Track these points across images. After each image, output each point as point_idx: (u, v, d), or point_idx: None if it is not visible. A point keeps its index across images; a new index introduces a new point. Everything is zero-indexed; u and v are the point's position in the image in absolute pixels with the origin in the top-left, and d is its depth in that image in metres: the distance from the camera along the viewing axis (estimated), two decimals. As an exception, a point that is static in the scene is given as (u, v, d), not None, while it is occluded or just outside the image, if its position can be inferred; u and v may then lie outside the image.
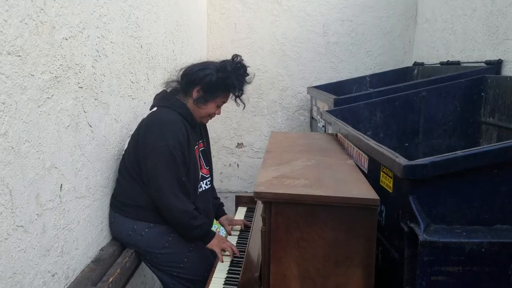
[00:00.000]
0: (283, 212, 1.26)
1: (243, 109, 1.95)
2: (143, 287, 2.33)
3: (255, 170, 4.30)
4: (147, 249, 1.75)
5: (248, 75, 1.86)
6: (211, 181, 2.03)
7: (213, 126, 4.13)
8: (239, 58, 1.85)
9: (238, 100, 1.89)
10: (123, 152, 1.87)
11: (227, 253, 1.81)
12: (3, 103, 1.09)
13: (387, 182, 1.37)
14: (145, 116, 1.88)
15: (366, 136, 1.62)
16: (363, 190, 1.28)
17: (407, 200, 1.20)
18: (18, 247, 1.16)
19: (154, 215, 1.75)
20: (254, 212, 2.18)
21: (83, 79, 1.53)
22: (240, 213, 2.37)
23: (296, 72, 4.09)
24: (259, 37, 4.07)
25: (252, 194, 2.47)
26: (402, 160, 1.20)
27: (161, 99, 1.87)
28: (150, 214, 1.75)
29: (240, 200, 2.50)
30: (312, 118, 3.71)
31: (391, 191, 1.34)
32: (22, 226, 1.17)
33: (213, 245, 1.81)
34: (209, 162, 2.01)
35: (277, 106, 4.19)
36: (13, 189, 1.13)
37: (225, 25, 4.08)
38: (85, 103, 1.56)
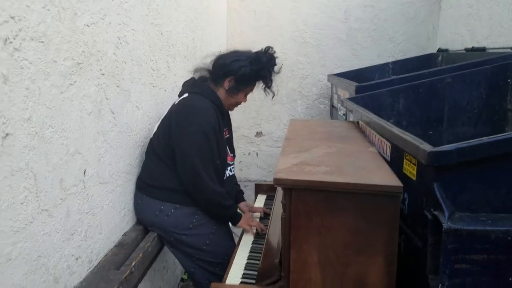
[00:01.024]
0: (303, 199, 1.25)
1: (272, 98, 1.99)
2: (165, 272, 2.36)
3: (274, 159, 4.30)
4: (172, 230, 1.80)
5: (276, 65, 1.93)
6: (234, 169, 2.07)
7: (232, 115, 4.11)
8: (271, 49, 1.91)
9: (267, 90, 1.94)
10: (151, 136, 1.92)
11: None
12: (27, 89, 1.11)
13: (410, 169, 1.35)
14: (165, 103, 1.90)
15: (389, 123, 1.59)
16: (386, 177, 1.26)
17: (431, 187, 1.18)
18: (43, 230, 1.18)
19: (180, 197, 1.80)
20: (273, 199, 2.17)
21: (105, 66, 1.54)
22: (260, 201, 2.37)
23: (316, 60, 4.04)
24: (279, 24, 4.03)
25: (271, 182, 2.48)
26: (427, 147, 1.18)
27: (191, 86, 1.93)
28: (177, 196, 1.80)
29: (259, 188, 2.50)
30: (332, 106, 3.67)
31: (414, 179, 1.31)
32: (46, 210, 1.20)
33: (242, 223, 1.89)
34: (232, 150, 2.07)
35: (297, 94, 4.15)
36: (38, 173, 1.15)
37: (245, 13, 4.05)
38: (107, 90, 1.57)
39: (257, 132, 4.32)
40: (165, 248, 1.99)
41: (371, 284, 1.25)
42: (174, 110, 1.86)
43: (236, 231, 2.11)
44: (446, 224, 1.13)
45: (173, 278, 2.57)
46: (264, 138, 4.32)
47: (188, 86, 1.95)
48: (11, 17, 1.04)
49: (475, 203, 1.18)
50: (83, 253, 1.40)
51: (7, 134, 1.03)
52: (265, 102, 4.15)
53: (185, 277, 2.74)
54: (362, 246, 1.24)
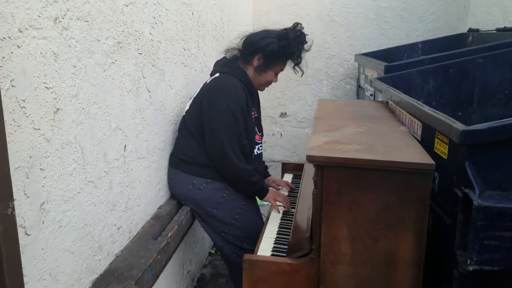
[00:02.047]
0: (334, 176, 1.29)
1: (302, 76, 2.00)
2: (195, 245, 2.46)
3: (298, 140, 4.32)
4: (204, 204, 1.87)
5: (306, 42, 1.93)
6: (262, 147, 2.12)
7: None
8: (299, 26, 1.91)
9: (296, 68, 1.96)
10: (184, 114, 1.98)
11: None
12: (74, 66, 1.17)
13: (442, 148, 1.36)
14: (196, 82, 1.95)
15: (420, 103, 1.60)
16: (418, 155, 1.29)
17: (462, 166, 1.19)
18: (89, 201, 1.26)
19: (210, 172, 1.87)
20: (300, 178, 2.22)
21: (142, 46, 1.59)
22: (286, 179, 2.42)
23: (343, 39, 4.01)
24: (306, 3, 3.99)
25: (297, 162, 2.51)
26: (460, 126, 1.19)
27: (222, 66, 1.97)
28: (207, 171, 1.87)
29: (286, 167, 2.55)
30: (359, 86, 3.65)
31: (445, 158, 1.33)
32: (92, 181, 1.27)
33: (268, 197, 1.94)
34: (261, 129, 2.11)
35: (323, 74, 4.14)
36: (84, 147, 1.22)
37: (271, -9, 4.03)
38: (144, 69, 1.62)
39: (281, 113, 4.34)
40: (195, 223, 2.07)
41: (400, 259, 1.29)
42: (206, 89, 1.90)
43: (263, 211, 2.17)
44: (476, 201, 1.15)
45: (202, 251, 2.67)
46: (289, 119, 4.34)
47: (220, 65, 1.99)
48: (61, -2, 1.09)
49: (506, 182, 1.20)
50: (124, 223, 1.48)
51: (57, 109, 1.09)
52: (290, 83, 4.15)
53: (212, 251, 2.83)
54: (392, 222, 1.28)
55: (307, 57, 4.18)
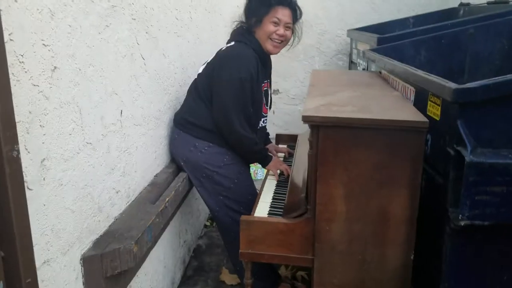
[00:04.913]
0: (330, 135, 1.31)
1: (294, 42, 2.05)
2: (191, 216, 2.49)
3: (291, 117, 4.32)
4: (205, 166, 1.90)
5: None
6: (267, 120, 2.16)
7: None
8: None
9: (297, 27, 2.02)
10: (196, 77, 2.02)
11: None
12: (70, 26, 1.16)
13: (434, 110, 1.39)
14: (189, 53, 1.95)
15: (413, 67, 1.62)
16: (411, 114, 1.31)
17: (455, 124, 1.22)
18: (88, 162, 1.27)
19: (214, 137, 1.91)
20: (294, 148, 2.25)
21: (136, 11, 1.58)
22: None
23: (334, 14, 3.99)
24: (298, -23, 3.95)
25: (292, 133, 2.54)
26: (453, 85, 1.21)
27: (237, 35, 2.00)
28: (211, 135, 1.91)
29: (280, 139, 2.59)
30: (351, 62, 3.66)
31: (438, 119, 1.36)
32: (91, 143, 1.28)
33: (271, 166, 1.99)
34: (268, 103, 2.13)
35: (315, 50, 4.13)
36: (82, 108, 1.23)
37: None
38: (138, 35, 1.62)
39: (273, 90, 4.34)
40: (191, 194, 2.09)
41: (394, 216, 1.33)
42: (219, 55, 1.95)
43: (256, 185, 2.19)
44: (468, 157, 1.18)
45: (198, 223, 2.70)
46: (281, 96, 4.34)
47: (235, 35, 2.02)
48: (55, -45, 1.08)
49: (497, 139, 1.23)
50: (122, 188, 1.49)
51: (55, 67, 1.09)
52: (281, 58, 4.11)
53: (208, 223, 2.87)
54: (386, 180, 1.31)
55: (298, 33, 4.14)
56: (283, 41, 1.99)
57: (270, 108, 2.16)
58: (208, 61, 2.01)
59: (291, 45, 2.09)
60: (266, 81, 2.06)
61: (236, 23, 2.04)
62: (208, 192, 1.92)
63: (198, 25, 2.54)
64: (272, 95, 4.25)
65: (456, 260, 1.28)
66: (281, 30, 1.95)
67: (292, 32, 2.03)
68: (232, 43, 1.98)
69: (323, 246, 1.38)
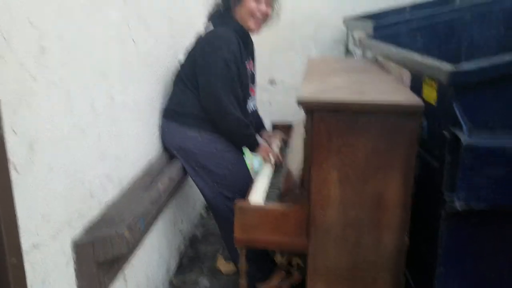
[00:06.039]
0: (326, 120, 1.29)
1: (273, 19, 2.01)
2: (186, 206, 2.47)
3: (288, 108, 4.29)
4: (198, 154, 1.88)
5: None
6: (256, 104, 2.14)
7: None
8: None
9: (275, 5, 1.97)
10: (179, 67, 2.00)
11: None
12: (59, 5, 1.13)
13: (430, 94, 1.37)
14: (181, 35, 1.92)
15: (408, 51, 1.60)
16: (407, 97, 1.30)
17: (451, 107, 1.20)
18: (78, 146, 1.25)
19: (204, 124, 1.89)
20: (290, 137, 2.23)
21: (127, -5, 1.56)
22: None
23: (331, 3, 3.96)
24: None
25: (287, 123, 2.52)
26: (448, 67, 1.20)
27: (215, 18, 1.97)
28: (202, 122, 1.89)
29: (276, 129, 2.55)
30: (347, 51, 3.64)
31: (434, 103, 1.34)
32: (80, 127, 1.25)
33: (261, 151, 1.95)
34: (254, 82, 2.11)
35: (310, 40, 4.10)
36: (71, 90, 1.20)
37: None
38: (129, 19, 1.59)
39: (269, 80, 4.31)
40: (186, 183, 2.07)
41: (388, 200, 1.31)
42: (200, 41, 1.92)
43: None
44: (465, 140, 1.17)
45: (194, 213, 2.68)
46: (277, 87, 4.31)
47: (213, 18, 1.98)
48: None
49: (494, 122, 1.21)
50: (114, 174, 1.47)
51: (43, 48, 1.07)
52: (278, 48, 4.10)
53: (203, 213, 2.85)
54: (380, 164, 1.29)
55: (294, 22, 4.11)
56: (265, 18, 1.97)
57: (255, 88, 2.13)
58: (189, 49, 1.99)
59: (271, 23, 2.04)
60: (250, 59, 2.04)
61: (212, 6, 2.01)
62: (203, 180, 1.90)
63: (189, 8, 2.51)
64: (268, 86, 4.29)
65: (452, 244, 1.27)
66: (263, 6, 1.93)
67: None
68: (211, 27, 1.94)
69: (317, 231, 1.36)
